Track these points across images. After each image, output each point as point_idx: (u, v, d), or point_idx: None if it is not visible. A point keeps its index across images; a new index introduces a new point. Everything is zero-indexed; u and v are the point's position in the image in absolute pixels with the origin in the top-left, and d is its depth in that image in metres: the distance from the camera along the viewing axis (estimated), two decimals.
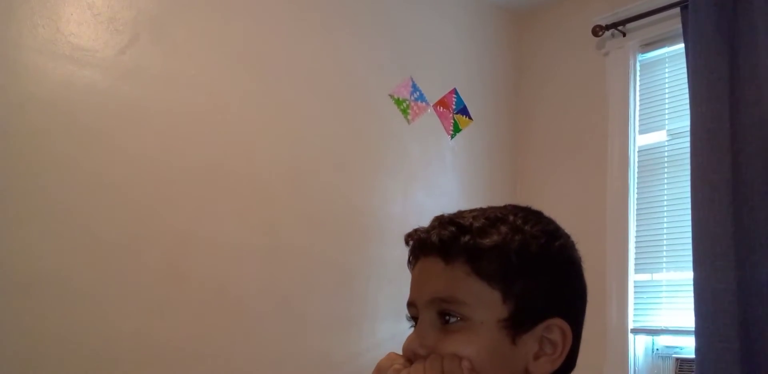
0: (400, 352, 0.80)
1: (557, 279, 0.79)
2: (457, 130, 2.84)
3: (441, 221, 0.81)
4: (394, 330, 2.44)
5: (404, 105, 2.69)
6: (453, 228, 0.78)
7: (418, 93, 2.74)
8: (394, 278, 2.49)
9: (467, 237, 0.77)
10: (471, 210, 0.82)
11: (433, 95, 2.79)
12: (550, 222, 0.83)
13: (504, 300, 0.75)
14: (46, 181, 1.93)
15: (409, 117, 2.70)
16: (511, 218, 0.79)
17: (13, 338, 1.82)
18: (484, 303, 0.75)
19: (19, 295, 1.85)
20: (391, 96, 2.66)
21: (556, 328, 0.77)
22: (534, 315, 0.76)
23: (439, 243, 0.78)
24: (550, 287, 0.78)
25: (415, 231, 0.83)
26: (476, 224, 0.78)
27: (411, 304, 0.82)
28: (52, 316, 1.88)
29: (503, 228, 0.77)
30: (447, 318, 0.76)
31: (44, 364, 1.86)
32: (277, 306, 2.28)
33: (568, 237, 0.83)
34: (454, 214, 0.82)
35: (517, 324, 0.75)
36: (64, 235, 1.93)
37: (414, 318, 0.82)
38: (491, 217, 0.79)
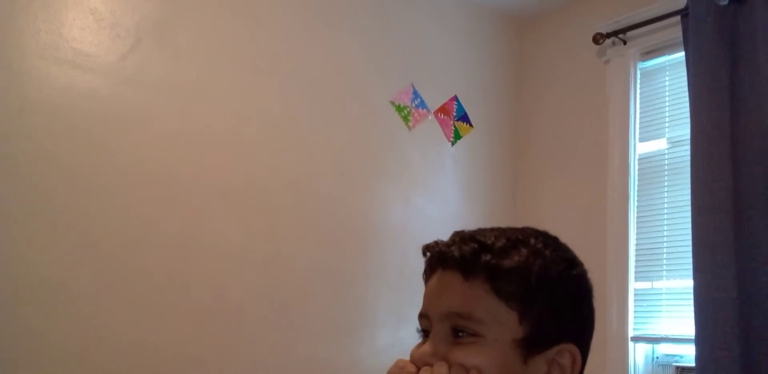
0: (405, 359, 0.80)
1: (572, 306, 0.81)
2: (457, 136, 2.85)
3: (462, 236, 0.82)
4: (394, 337, 2.44)
5: (405, 112, 2.69)
6: (474, 245, 0.79)
7: (419, 100, 2.74)
8: (394, 285, 2.49)
9: (489, 256, 0.78)
10: (491, 229, 0.83)
11: (434, 102, 2.79)
12: (567, 249, 0.85)
13: (521, 321, 0.77)
14: (47, 186, 1.93)
15: (410, 124, 2.70)
16: (532, 241, 0.80)
17: (13, 343, 1.82)
18: (500, 322, 0.76)
19: (18, 300, 1.84)
20: (392, 103, 2.67)
21: (567, 353, 0.78)
22: (548, 339, 0.78)
23: (460, 259, 0.79)
24: (566, 313, 0.80)
25: (436, 243, 0.84)
26: (498, 244, 0.79)
27: (423, 316, 0.82)
28: (51, 322, 1.88)
29: (524, 251, 0.79)
30: (460, 333, 0.77)
31: (43, 370, 1.85)
32: (277, 313, 2.27)
33: (582, 265, 0.85)
34: (475, 231, 0.83)
35: (531, 345, 0.76)
36: (64, 241, 1.93)
37: (425, 330, 0.82)
38: (512, 238, 0.80)
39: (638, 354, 2.43)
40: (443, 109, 2.82)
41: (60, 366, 1.88)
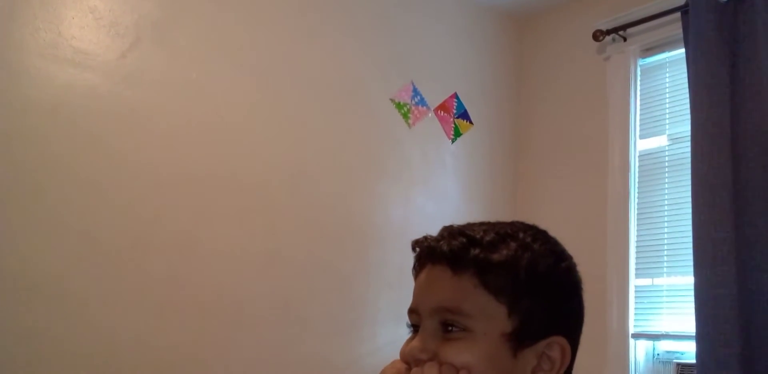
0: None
1: (561, 299, 0.81)
2: (457, 134, 2.84)
3: (450, 231, 0.82)
4: (395, 335, 2.44)
5: (405, 109, 2.69)
6: (463, 240, 0.79)
7: (418, 97, 2.74)
8: (395, 283, 2.49)
9: (477, 250, 0.78)
10: (480, 224, 0.83)
11: (434, 99, 2.79)
12: (556, 243, 0.84)
13: (509, 314, 0.77)
14: (47, 184, 1.93)
15: (410, 121, 2.70)
16: (521, 235, 0.80)
17: (13, 342, 1.82)
18: (489, 316, 0.76)
19: (18, 300, 1.84)
20: (392, 100, 2.66)
21: (557, 346, 0.78)
22: (537, 332, 0.78)
23: (449, 253, 0.79)
24: (554, 306, 0.80)
25: (425, 238, 0.83)
26: (487, 238, 0.79)
27: (413, 311, 0.82)
28: (52, 321, 1.88)
29: (513, 245, 0.79)
30: (450, 328, 0.77)
31: (44, 368, 1.86)
32: (278, 311, 2.27)
33: (571, 258, 0.85)
34: (464, 226, 0.83)
35: (521, 339, 0.76)
36: (64, 240, 1.93)
37: (414, 325, 0.82)
38: (501, 233, 0.80)
39: (639, 351, 2.43)
40: (443, 107, 2.82)
41: (60, 365, 1.88)
